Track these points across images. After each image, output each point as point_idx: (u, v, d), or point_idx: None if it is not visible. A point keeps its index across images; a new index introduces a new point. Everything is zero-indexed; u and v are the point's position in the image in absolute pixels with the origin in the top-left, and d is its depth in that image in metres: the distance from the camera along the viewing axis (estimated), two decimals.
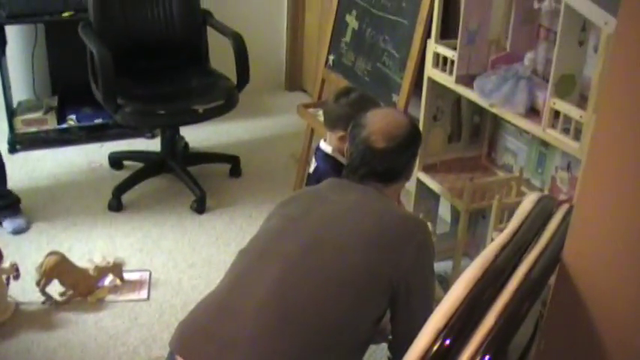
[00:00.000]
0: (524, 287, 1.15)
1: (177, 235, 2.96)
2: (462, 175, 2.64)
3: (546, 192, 2.35)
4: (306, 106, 3.14)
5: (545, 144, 2.40)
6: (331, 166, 2.22)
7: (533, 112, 2.11)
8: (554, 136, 1.97)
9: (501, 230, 2.26)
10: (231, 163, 3.46)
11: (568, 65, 1.96)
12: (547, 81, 2.24)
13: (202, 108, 2.95)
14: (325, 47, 3.10)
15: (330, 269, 1.60)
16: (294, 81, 4.54)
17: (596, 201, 1.03)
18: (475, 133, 2.73)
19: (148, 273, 2.70)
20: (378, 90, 2.74)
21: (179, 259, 2.80)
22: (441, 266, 2.78)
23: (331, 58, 3.08)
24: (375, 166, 1.84)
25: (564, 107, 1.92)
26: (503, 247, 1.24)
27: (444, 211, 2.94)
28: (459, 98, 2.58)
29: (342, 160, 2.22)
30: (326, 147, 2.29)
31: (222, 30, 3.21)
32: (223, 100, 3.04)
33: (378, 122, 1.89)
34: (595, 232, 1.07)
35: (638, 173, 0.94)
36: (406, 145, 1.88)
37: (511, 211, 2.31)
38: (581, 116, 1.86)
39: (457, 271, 2.51)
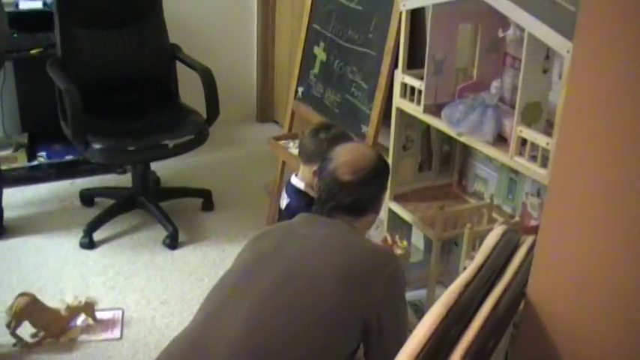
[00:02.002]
0: (489, 324, 1.14)
1: (150, 272, 2.93)
2: (433, 203, 2.65)
3: (517, 218, 2.36)
4: (277, 138, 3.14)
5: (514, 171, 2.42)
6: (305, 202, 2.21)
7: (500, 139, 2.13)
8: (521, 163, 1.99)
9: (474, 259, 2.29)
10: (204, 197, 3.44)
11: (533, 93, 1.99)
12: (514, 108, 2.28)
13: (172, 143, 2.94)
14: (294, 79, 3.11)
15: (302, 306, 1.59)
16: (265, 112, 4.55)
17: (559, 233, 1.03)
18: (445, 161, 2.75)
19: (120, 311, 2.66)
20: (347, 121, 2.75)
21: (152, 297, 2.76)
22: (415, 295, 2.77)
23: (300, 90, 3.09)
24: (341, 199, 1.84)
25: (531, 135, 1.95)
26: (468, 284, 1.22)
27: (417, 239, 2.94)
28: (428, 127, 2.60)
29: (315, 195, 2.22)
30: (298, 182, 2.29)
31: (191, 64, 3.21)
32: (193, 134, 3.03)
33: (345, 155, 1.90)
34: (558, 265, 1.06)
35: (602, 204, 0.95)
36: (373, 177, 1.88)
37: (482, 238, 2.32)
38: (547, 143, 1.89)
39: (431, 300, 2.50)
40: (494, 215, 2.52)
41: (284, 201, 2.30)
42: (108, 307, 2.68)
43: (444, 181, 2.77)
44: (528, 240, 1.40)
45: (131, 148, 2.92)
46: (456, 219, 2.44)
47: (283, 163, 3.20)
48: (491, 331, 1.14)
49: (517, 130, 1.98)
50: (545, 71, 1.99)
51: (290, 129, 3.19)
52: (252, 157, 4.09)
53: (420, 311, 2.71)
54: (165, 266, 2.98)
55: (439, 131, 2.51)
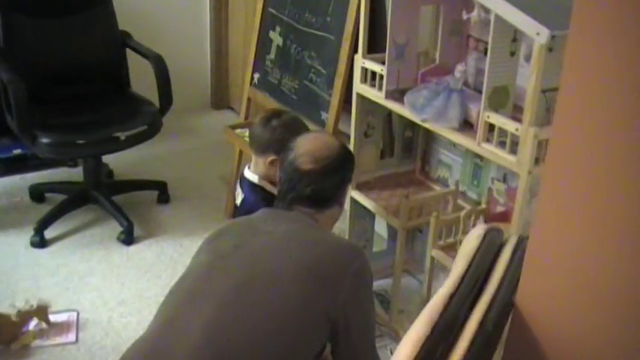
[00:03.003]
0: (478, 341, 1.05)
1: (106, 270, 2.81)
2: (396, 191, 2.59)
3: (483, 204, 2.32)
4: (233, 127, 3.04)
5: (480, 156, 2.37)
6: (261, 197, 2.12)
7: (467, 125, 2.08)
8: (489, 150, 1.94)
9: (441, 248, 2.24)
10: (159, 189, 3.33)
11: (500, 77, 1.93)
12: (479, 92, 2.22)
13: (124, 135, 2.82)
14: (250, 65, 3.01)
15: (264, 306, 1.51)
16: (220, 99, 4.43)
17: (553, 235, 0.95)
18: (407, 147, 2.69)
19: (75, 313, 2.54)
20: (306, 108, 2.67)
21: (108, 297, 2.65)
22: (381, 285, 2.72)
23: (256, 76, 2.99)
24: (302, 189, 1.76)
25: (499, 120, 1.89)
26: (451, 296, 1.12)
27: (380, 227, 2.88)
28: (390, 113, 2.53)
29: (271, 189, 2.13)
30: (252, 176, 2.19)
31: (142, 52, 3.07)
32: (146, 125, 2.91)
33: (307, 144, 1.83)
34: (551, 270, 0.98)
35: (601, 203, 0.87)
36: (335, 167, 1.81)
37: (448, 227, 2.28)
38: (517, 129, 1.83)
39: (397, 290, 2.45)
40: (460, 202, 2.47)
41: (239, 197, 2.20)
42: (62, 309, 2.55)
43: (407, 168, 2.71)
44: (511, 240, 1.32)
45: (81, 142, 2.77)
46: (420, 207, 2.38)
47: (240, 152, 3.10)
48: (481, 349, 1.05)
49: (484, 115, 1.92)
50: (512, 54, 1.93)
51: (247, 117, 3.09)
52: (209, 146, 3.97)
53: (386, 302, 2.66)
54: (121, 263, 2.86)
55: (401, 117, 2.45)
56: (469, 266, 1.19)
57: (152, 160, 3.70)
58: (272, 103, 2.88)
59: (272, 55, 2.87)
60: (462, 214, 2.18)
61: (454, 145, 2.49)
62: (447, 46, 2.30)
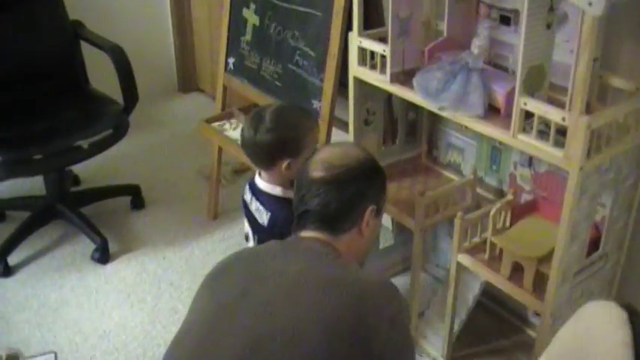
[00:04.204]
0: None
1: (82, 298, 2.47)
2: (403, 181, 2.30)
3: (510, 195, 2.02)
4: (209, 120, 2.68)
5: None
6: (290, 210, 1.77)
7: (492, 110, 1.77)
8: (528, 143, 1.64)
9: (467, 251, 1.95)
10: (132, 193, 2.97)
11: (537, 54, 1.62)
12: (497, 68, 1.92)
13: (87, 143, 2.45)
14: (223, 49, 2.64)
15: None
16: (187, 81, 4.04)
17: None
18: (411, 131, 2.38)
19: (52, 355, 2.19)
20: (294, 96, 2.33)
21: (88, 330, 2.31)
22: None
23: (231, 61, 2.63)
24: (309, 201, 1.45)
25: (539, 108, 1.58)
26: None
27: (385, 218, 2.58)
28: (389, 95, 2.22)
29: None
30: (272, 188, 1.82)
31: (98, 43, 2.67)
32: (111, 128, 2.54)
33: (324, 152, 1.52)
34: None
35: None
36: (348, 178, 1.46)
37: (473, 226, 1.99)
38: (563, 118, 1.53)
39: (415, 292, 2.16)
40: (479, 191, 2.19)
41: (264, 216, 1.84)
42: (36, 352, 2.21)
43: (411, 154, 2.41)
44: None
45: (38, 157, 2.39)
46: (436, 203, 2.08)
47: (220, 148, 2.76)
48: None
49: (520, 102, 1.61)
50: (548, 26, 1.61)
51: (223, 107, 2.73)
52: (181, 136, 3.59)
53: None
54: (99, 287, 2.52)
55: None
56: None
57: (120, 159, 3.30)
58: (252, 91, 2.54)
59: (248, 37, 2.51)
60: (492, 212, 1.88)
61: (466, 126, 2.18)
62: (454, 15, 1.97)
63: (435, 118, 2.31)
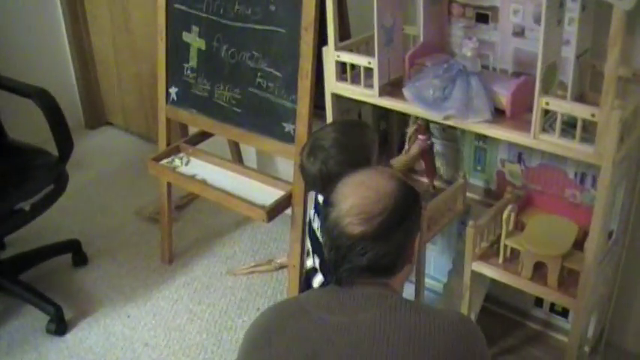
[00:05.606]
0: None
1: None
2: None
3: (493, 189, 1.98)
4: (157, 158, 2.45)
5: (482, 137, 2.02)
6: None
7: (497, 114, 1.71)
8: (553, 142, 1.58)
9: (479, 258, 1.88)
10: (72, 249, 2.67)
11: (552, 52, 1.57)
12: (488, 69, 1.86)
13: (29, 204, 2.15)
14: (162, 80, 2.42)
15: None
16: (94, 116, 3.72)
17: None
18: (384, 140, 2.28)
19: None
20: (259, 121, 2.17)
21: None
22: None
23: (173, 91, 2.41)
24: (356, 260, 1.26)
25: (563, 107, 1.54)
26: None
27: None
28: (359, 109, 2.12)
29: None
30: None
31: (19, 89, 2.36)
32: (52, 182, 2.26)
33: (351, 196, 1.29)
34: None
35: None
36: (394, 223, 1.28)
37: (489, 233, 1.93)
38: (593, 115, 1.48)
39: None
40: (469, 194, 2.12)
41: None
42: None
43: (386, 164, 2.31)
44: None
45: None
46: (433, 216, 2.00)
47: (169, 184, 2.54)
48: None
49: (542, 102, 1.56)
50: (558, 22, 1.57)
51: (168, 142, 2.51)
52: (106, 178, 3.30)
53: None
54: None
55: (375, 108, 2.09)
56: None
57: (45, 215, 2.95)
58: (205, 121, 2.34)
59: (192, 63, 2.31)
60: (505, 215, 1.82)
61: (443, 129, 2.12)
62: (428, 19, 1.89)
63: (405, 126, 2.23)
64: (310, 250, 1.84)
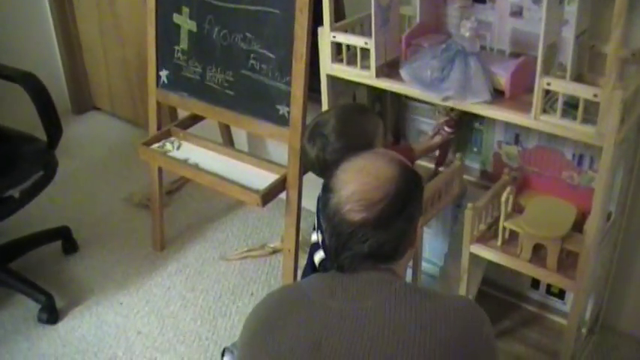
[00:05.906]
0: None
1: None
2: None
3: (490, 170, 1.97)
4: (147, 142, 2.40)
5: (478, 117, 2.00)
6: None
7: (496, 95, 1.69)
8: (553, 123, 1.56)
9: (477, 240, 1.87)
10: (61, 236, 2.63)
11: (553, 32, 1.55)
12: (485, 50, 1.84)
13: (18, 191, 2.11)
14: (152, 63, 2.37)
15: None
16: (81, 101, 3.67)
17: None
18: None
19: None
20: (252, 104, 2.14)
21: None
22: None
23: (164, 74, 2.37)
24: (357, 247, 1.24)
25: (566, 87, 1.52)
26: None
27: None
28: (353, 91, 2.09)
29: None
30: None
31: (5, 73, 2.31)
32: (41, 169, 2.21)
33: (351, 182, 1.26)
34: None
35: None
36: (395, 209, 1.25)
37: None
38: (595, 95, 1.47)
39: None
40: (466, 177, 2.11)
41: None
42: None
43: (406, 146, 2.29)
44: None
45: None
46: (431, 198, 1.98)
47: (160, 169, 2.50)
48: None
49: (543, 82, 1.53)
50: (560, 1, 1.55)
51: (159, 126, 2.47)
52: (94, 164, 3.25)
53: None
54: (57, 352, 2.20)
55: (370, 90, 2.06)
56: None
57: (34, 202, 2.90)
58: (196, 105, 2.30)
59: (183, 45, 2.27)
60: (503, 198, 1.80)
61: (438, 110, 2.09)
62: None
63: (400, 106, 2.21)
64: (315, 224, 1.83)
